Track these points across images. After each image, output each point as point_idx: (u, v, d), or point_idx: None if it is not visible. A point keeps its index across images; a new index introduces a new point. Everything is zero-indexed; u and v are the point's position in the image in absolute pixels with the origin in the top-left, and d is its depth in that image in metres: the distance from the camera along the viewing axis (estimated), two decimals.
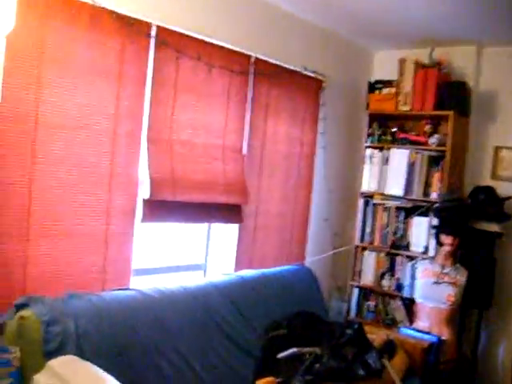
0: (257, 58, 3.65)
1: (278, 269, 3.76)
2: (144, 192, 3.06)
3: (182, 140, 3.25)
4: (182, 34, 3.17)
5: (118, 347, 2.52)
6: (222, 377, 2.94)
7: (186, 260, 3.67)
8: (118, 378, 2.11)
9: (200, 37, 3.28)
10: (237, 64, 3.52)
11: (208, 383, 2.84)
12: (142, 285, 2.99)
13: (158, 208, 3.13)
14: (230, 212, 3.57)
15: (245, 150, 3.67)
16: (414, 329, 3.97)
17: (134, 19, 2.88)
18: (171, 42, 3.10)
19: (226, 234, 3.76)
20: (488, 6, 3.53)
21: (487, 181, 4.37)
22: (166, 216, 3.22)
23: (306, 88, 4.11)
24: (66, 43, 2.62)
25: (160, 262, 3.50)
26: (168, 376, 2.69)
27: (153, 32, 3.01)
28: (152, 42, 3.02)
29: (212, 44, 3.36)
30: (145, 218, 3.08)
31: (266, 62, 3.73)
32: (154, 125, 3.09)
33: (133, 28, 2.88)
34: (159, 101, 3.10)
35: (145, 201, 3.07)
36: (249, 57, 3.60)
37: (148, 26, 2.98)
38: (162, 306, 2.85)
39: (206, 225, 3.73)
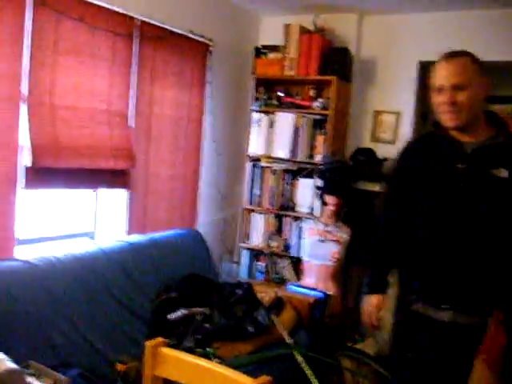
0: (142, 21, 3.57)
1: (167, 233, 3.77)
2: (26, 158, 2.95)
3: (66, 105, 3.14)
4: None
5: (2, 321, 2.45)
6: (114, 342, 2.93)
7: (74, 228, 3.58)
8: (7, 354, 2.06)
9: None
10: (121, 26, 3.43)
11: (100, 349, 2.83)
12: (27, 254, 2.90)
13: (42, 175, 3.02)
14: (117, 177, 3.52)
15: (131, 115, 3.62)
16: (301, 285, 4.15)
17: None
18: (50, 1, 2.96)
19: (116, 199, 3.71)
20: None
21: (368, 143, 4.58)
22: (50, 183, 3.13)
23: (192, 52, 4.08)
24: None
25: (48, 230, 3.39)
26: (59, 345, 2.65)
27: None
28: (30, 1, 2.87)
29: (95, 5, 3.24)
30: (28, 185, 2.97)
31: (151, 24, 3.65)
32: (34, 88, 2.96)
33: None
34: (39, 63, 2.97)
35: (27, 168, 2.96)
36: (134, 19, 3.52)
37: None
38: (49, 275, 2.79)
39: (94, 191, 3.66)
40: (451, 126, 2.13)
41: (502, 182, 2.08)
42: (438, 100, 2.13)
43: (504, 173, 2.07)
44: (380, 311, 2.49)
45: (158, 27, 3.72)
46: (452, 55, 2.11)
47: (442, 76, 2.10)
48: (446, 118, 2.13)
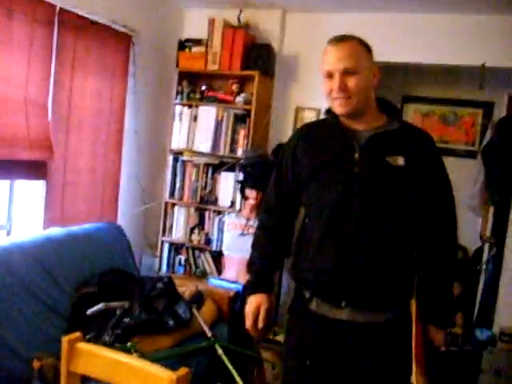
0: (62, 8, 3.48)
1: (86, 226, 3.68)
2: None
3: None
4: None
5: None
6: (31, 339, 2.85)
7: None
8: None
9: None
10: (40, 12, 3.31)
11: (15, 347, 2.74)
12: None
13: None
14: (34, 169, 3.42)
15: (50, 105, 3.52)
16: (222, 279, 4.18)
17: None
18: None
19: (33, 192, 3.60)
20: None
21: None
22: None
23: (114, 42, 4.00)
24: None
25: None
26: None
27: None
28: None
29: None
30: None
31: (72, 12, 3.55)
32: None
33: None
34: None
35: None
36: (54, 6, 3.42)
37: None
38: None
39: (8, 183, 3.54)
40: (342, 112, 2.04)
41: (399, 170, 2.01)
42: (328, 86, 2.02)
43: (400, 161, 2.01)
44: (266, 312, 2.21)
45: (79, 15, 3.63)
46: (339, 39, 2.02)
47: (330, 61, 2.01)
48: (336, 105, 2.03)
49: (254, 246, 2.34)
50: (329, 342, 2.08)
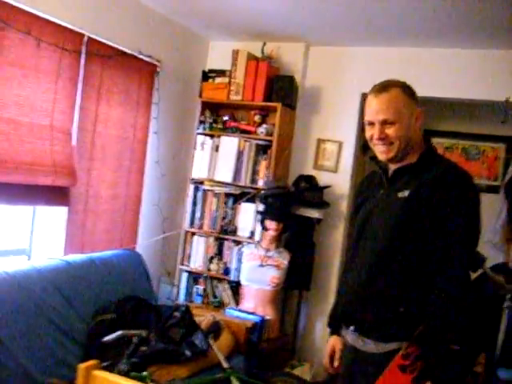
0: (90, 38, 3.55)
1: (106, 253, 3.70)
2: None
3: (6, 117, 3.07)
4: (8, 4, 2.99)
5: None
6: (47, 364, 2.84)
7: (9, 244, 3.48)
8: None
9: (30, 9, 3.12)
10: (69, 42, 3.39)
11: (29, 370, 2.73)
12: None
13: None
14: (57, 194, 3.45)
15: (75, 132, 3.56)
16: (239, 310, 4.15)
17: None
18: None
19: (55, 217, 3.63)
20: (316, 9, 3.77)
21: (310, 170, 4.65)
22: None
23: (140, 72, 4.07)
24: None
25: None
26: None
27: None
28: None
29: (43, 18, 3.21)
30: None
31: (99, 42, 3.64)
32: None
33: None
34: None
35: None
36: (82, 35, 3.49)
37: None
38: None
39: (31, 208, 3.57)
40: (383, 158, 2.12)
41: (402, 201, 2.05)
42: (370, 133, 2.11)
43: (406, 193, 2.05)
44: (337, 354, 2.31)
45: (106, 45, 3.71)
46: (381, 89, 2.07)
47: (370, 111, 2.09)
48: (378, 151, 2.12)
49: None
50: (343, 362, 2.27)
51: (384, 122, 2.05)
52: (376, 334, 2.08)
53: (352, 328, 2.15)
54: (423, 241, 2.02)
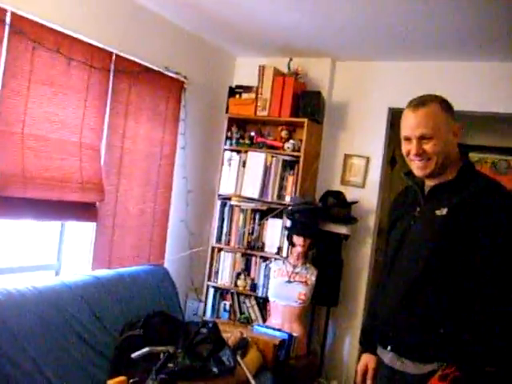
0: (118, 55, 3.60)
1: (133, 269, 3.71)
2: None
3: (36, 134, 3.11)
4: (39, 24, 3.05)
5: None
6: (72, 378, 2.83)
7: (37, 260, 3.52)
8: None
9: (60, 28, 3.18)
10: (97, 59, 3.44)
11: None
12: None
13: (7, 204, 2.97)
14: (85, 210, 3.48)
15: (103, 148, 3.60)
16: (267, 326, 4.12)
17: None
18: (27, 30, 2.97)
19: (83, 233, 3.66)
20: (342, 25, 3.77)
21: (337, 186, 4.63)
22: (15, 213, 3.07)
23: (167, 88, 4.11)
24: None
25: (10, 261, 3.32)
26: (16, 381, 2.54)
27: (7, 19, 2.87)
28: (6, 29, 2.88)
29: (72, 37, 3.27)
30: None
31: (127, 59, 3.68)
32: (4, 116, 2.93)
33: None
34: (11, 91, 2.95)
35: None
36: (110, 53, 3.55)
37: (2, 11, 2.83)
38: (10, 309, 2.70)
39: (59, 223, 3.61)
40: (420, 175, 2.09)
41: (441, 219, 2.00)
42: (406, 149, 2.08)
43: (444, 210, 2.00)
44: (373, 371, 2.28)
45: (134, 62, 3.75)
46: (419, 104, 2.04)
47: (408, 127, 2.05)
48: (415, 167, 2.08)
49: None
50: (378, 382, 2.23)
51: (421, 138, 2.01)
52: (415, 355, 2.03)
53: (389, 348, 2.11)
54: (462, 261, 1.95)
